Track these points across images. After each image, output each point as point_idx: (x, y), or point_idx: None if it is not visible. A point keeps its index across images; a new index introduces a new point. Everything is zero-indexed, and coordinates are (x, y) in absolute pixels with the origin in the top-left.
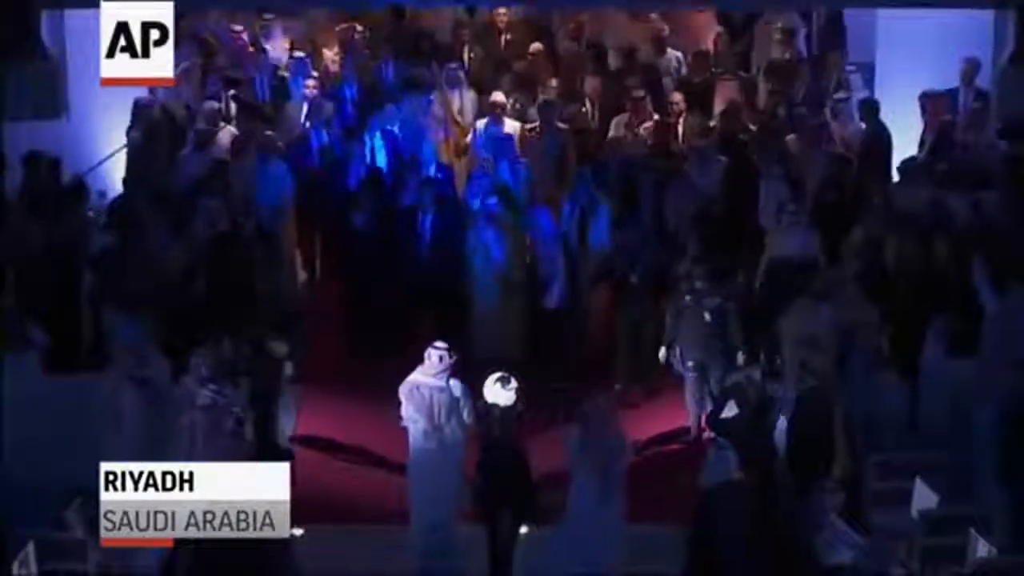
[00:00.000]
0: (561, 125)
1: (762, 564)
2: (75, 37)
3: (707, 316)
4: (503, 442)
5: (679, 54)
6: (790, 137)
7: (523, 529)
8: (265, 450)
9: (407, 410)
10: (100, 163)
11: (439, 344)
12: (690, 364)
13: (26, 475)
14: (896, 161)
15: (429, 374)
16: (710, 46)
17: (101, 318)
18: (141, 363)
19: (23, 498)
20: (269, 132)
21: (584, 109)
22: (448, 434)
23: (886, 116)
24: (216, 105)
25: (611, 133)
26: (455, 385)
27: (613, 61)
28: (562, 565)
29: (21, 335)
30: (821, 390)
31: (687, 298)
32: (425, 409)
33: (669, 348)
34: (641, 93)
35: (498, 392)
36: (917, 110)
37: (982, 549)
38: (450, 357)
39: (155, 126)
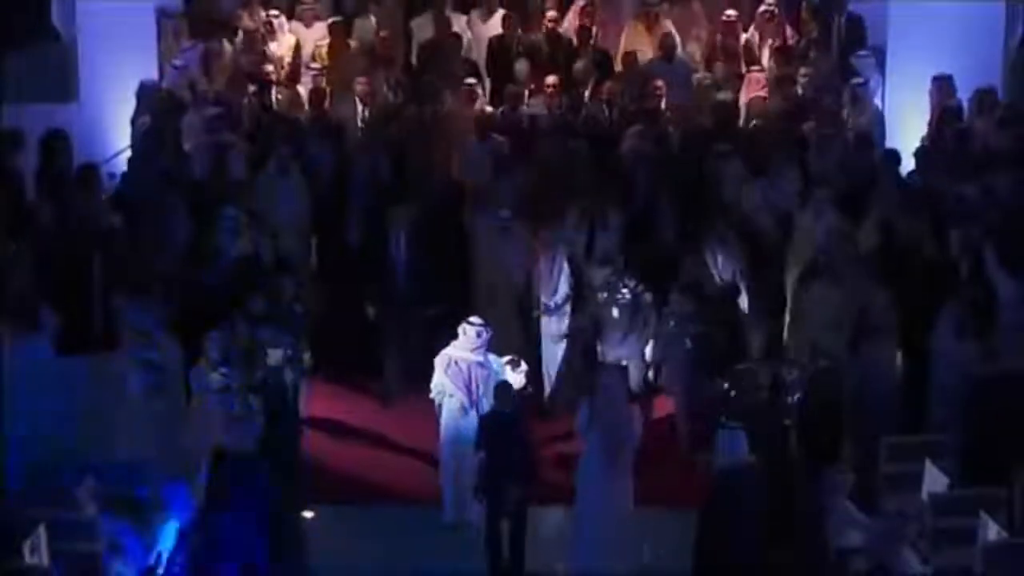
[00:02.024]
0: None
1: (772, 546)
2: (86, 21)
3: (688, 343)
4: (511, 420)
5: (688, 62)
6: (807, 124)
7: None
8: (276, 434)
9: (443, 383)
10: (115, 155)
11: (475, 320)
12: (676, 389)
13: (37, 455)
14: (905, 145)
15: (467, 349)
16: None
17: (112, 300)
18: (151, 346)
19: (34, 479)
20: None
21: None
22: (484, 408)
23: (897, 101)
24: (218, 110)
25: (626, 143)
26: (492, 360)
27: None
28: (572, 541)
29: (32, 315)
30: (832, 372)
31: (671, 323)
32: (463, 384)
33: (657, 369)
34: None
35: (508, 375)
36: (927, 95)
37: (992, 531)
38: (487, 332)
39: (162, 111)
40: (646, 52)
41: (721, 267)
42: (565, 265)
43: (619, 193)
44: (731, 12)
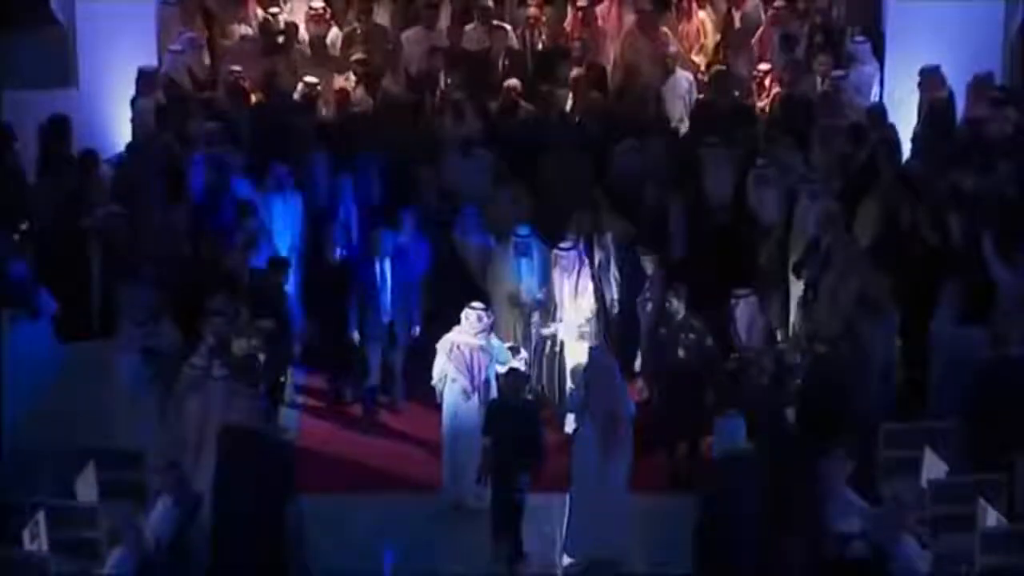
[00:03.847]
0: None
1: (771, 532)
2: (84, 7)
3: (681, 352)
4: (522, 409)
5: (689, 75)
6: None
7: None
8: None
9: (445, 368)
10: (116, 155)
11: (476, 304)
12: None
13: (37, 442)
14: (905, 133)
15: (469, 333)
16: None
17: (111, 286)
18: (151, 333)
19: (33, 466)
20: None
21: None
22: (486, 392)
23: (896, 90)
24: (214, 126)
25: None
26: (494, 343)
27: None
28: (568, 523)
29: (32, 301)
30: (831, 358)
31: (662, 330)
32: (465, 368)
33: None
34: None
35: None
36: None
37: (991, 518)
38: (488, 317)
39: (162, 97)
40: (644, 62)
41: (745, 334)
42: (590, 284)
43: (622, 206)
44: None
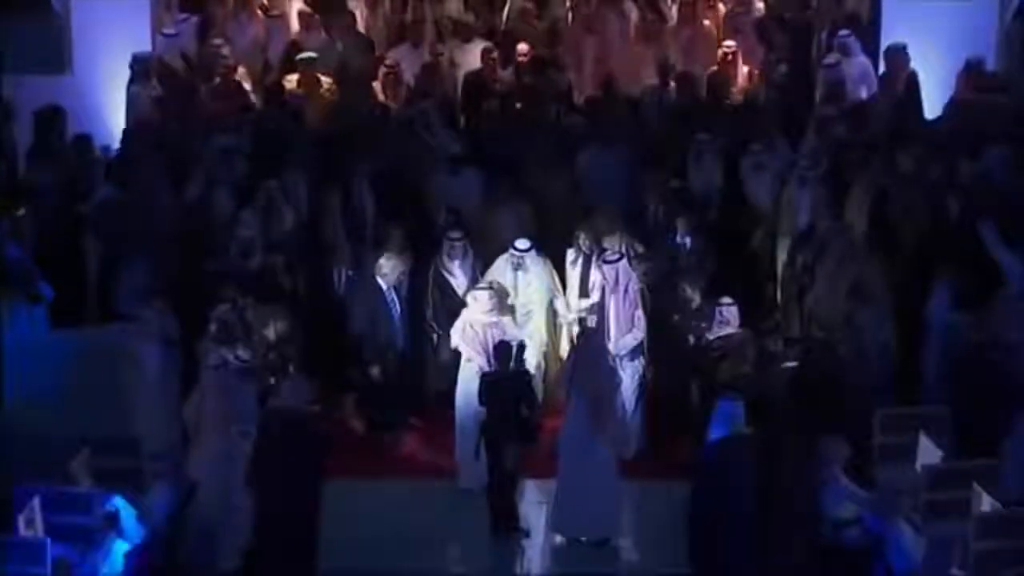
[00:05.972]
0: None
1: (766, 518)
2: None
3: (691, 339)
4: (511, 379)
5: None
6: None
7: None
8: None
9: (461, 349)
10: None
11: (482, 284)
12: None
13: (31, 428)
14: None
15: (480, 312)
16: None
17: (108, 273)
18: (159, 317)
19: (28, 452)
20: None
21: None
22: None
23: None
24: (227, 142)
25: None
26: (505, 321)
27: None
28: (555, 502)
29: (30, 287)
30: (827, 344)
31: (675, 317)
32: (480, 347)
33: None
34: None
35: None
36: (921, 71)
37: (986, 503)
38: (497, 296)
39: (158, 83)
40: (647, 74)
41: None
42: (639, 300)
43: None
44: (730, 43)
